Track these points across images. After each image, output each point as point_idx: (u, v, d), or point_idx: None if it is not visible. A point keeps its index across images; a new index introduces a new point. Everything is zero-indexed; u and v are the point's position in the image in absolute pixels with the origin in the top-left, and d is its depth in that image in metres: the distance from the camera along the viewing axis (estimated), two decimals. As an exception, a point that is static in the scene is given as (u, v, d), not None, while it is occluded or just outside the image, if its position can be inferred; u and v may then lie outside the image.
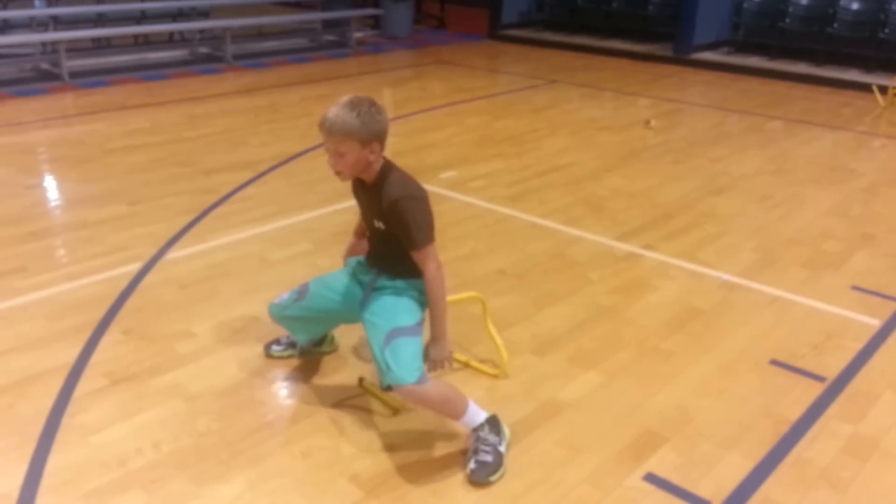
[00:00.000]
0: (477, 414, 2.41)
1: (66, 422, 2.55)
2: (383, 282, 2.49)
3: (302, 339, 2.79)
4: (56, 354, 2.92)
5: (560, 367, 2.96)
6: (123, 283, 3.49)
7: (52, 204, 4.63)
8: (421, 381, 2.28)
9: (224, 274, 3.64)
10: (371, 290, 2.50)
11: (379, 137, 2.34)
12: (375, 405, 2.70)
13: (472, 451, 2.38)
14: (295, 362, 2.94)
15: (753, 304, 3.52)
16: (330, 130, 2.31)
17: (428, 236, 2.37)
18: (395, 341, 2.32)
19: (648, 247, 4.09)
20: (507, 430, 2.47)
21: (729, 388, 2.87)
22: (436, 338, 2.41)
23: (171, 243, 3.95)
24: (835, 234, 4.34)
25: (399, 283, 2.47)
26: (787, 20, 9.31)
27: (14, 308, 3.27)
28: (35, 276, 3.55)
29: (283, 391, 2.82)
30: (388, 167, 2.42)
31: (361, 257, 2.64)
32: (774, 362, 3.04)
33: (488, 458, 2.34)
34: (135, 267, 3.66)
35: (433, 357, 2.42)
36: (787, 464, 2.46)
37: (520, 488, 2.32)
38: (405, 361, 2.29)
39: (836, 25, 8.98)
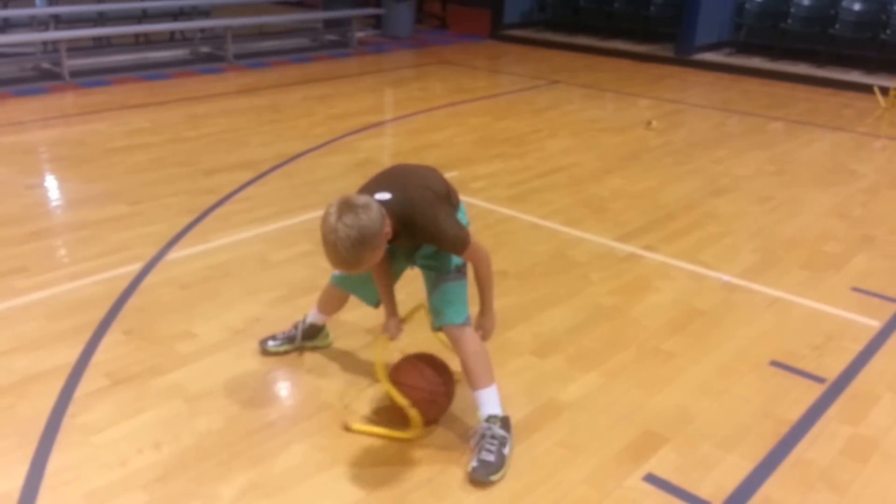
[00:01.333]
0: (496, 402, 2.44)
1: (67, 422, 2.55)
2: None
3: (372, 301, 2.72)
4: (57, 354, 2.92)
5: (561, 368, 2.97)
6: (124, 284, 3.50)
7: (53, 204, 4.64)
8: (467, 321, 2.45)
9: (225, 274, 3.64)
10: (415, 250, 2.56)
11: (383, 219, 2.17)
12: (375, 408, 2.70)
13: (477, 445, 2.38)
14: (295, 362, 2.95)
15: (754, 305, 3.52)
16: (352, 271, 2.23)
17: (461, 238, 2.31)
18: (443, 286, 2.46)
19: (649, 248, 4.10)
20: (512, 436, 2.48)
21: (729, 388, 2.87)
22: (484, 310, 2.53)
23: (171, 243, 3.95)
24: (835, 236, 4.34)
25: None
26: (789, 21, 9.31)
27: (15, 308, 3.27)
28: (36, 276, 3.56)
29: (283, 392, 2.82)
30: (389, 208, 2.23)
31: None
32: (774, 363, 3.04)
33: (490, 457, 2.34)
34: (136, 267, 3.67)
35: (484, 327, 2.55)
36: (787, 465, 2.46)
37: (520, 488, 2.32)
38: (454, 303, 2.44)
39: (837, 26, 8.98)
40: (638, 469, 2.42)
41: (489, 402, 2.44)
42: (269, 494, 2.27)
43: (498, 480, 2.33)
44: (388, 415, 2.63)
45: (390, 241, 2.29)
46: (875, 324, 3.37)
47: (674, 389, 2.85)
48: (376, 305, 2.73)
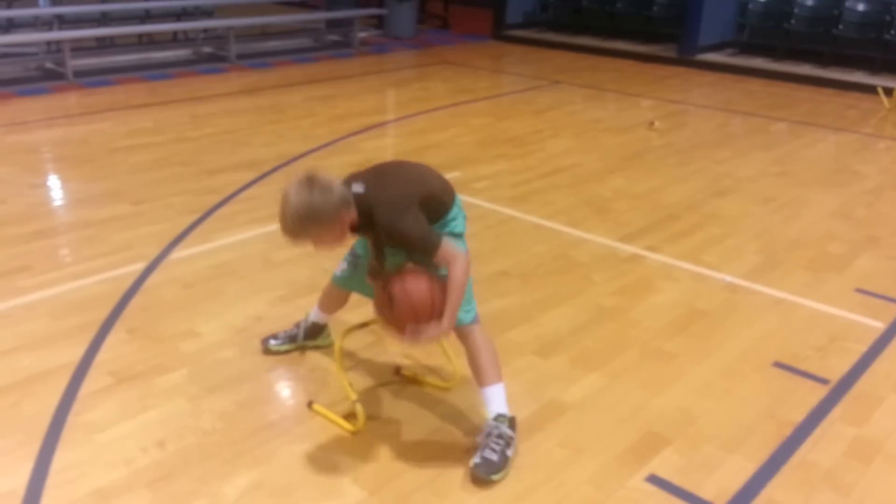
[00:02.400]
0: (501, 399, 2.43)
1: (72, 420, 2.55)
2: None
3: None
4: (61, 353, 2.93)
5: (563, 369, 2.97)
6: (128, 283, 3.50)
7: (57, 203, 4.65)
8: (475, 320, 2.45)
9: (228, 274, 3.65)
10: None
11: (340, 208, 2.20)
12: (378, 408, 2.70)
13: (482, 443, 2.38)
14: (298, 361, 2.95)
15: (757, 306, 3.52)
16: (292, 240, 2.24)
17: (431, 240, 2.27)
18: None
19: (652, 248, 4.10)
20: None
21: (732, 389, 2.87)
22: (443, 318, 2.30)
23: (175, 243, 3.96)
24: (839, 237, 4.34)
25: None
26: (793, 21, 9.31)
27: (19, 307, 3.28)
28: (40, 275, 3.57)
29: (287, 391, 2.83)
30: (359, 203, 2.26)
31: None
32: (778, 364, 3.04)
33: (494, 456, 2.34)
34: (139, 266, 3.67)
35: (429, 332, 2.30)
36: (791, 466, 2.46)
37: (522, 489, 2.32)
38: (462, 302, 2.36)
39: (841, 27, 8.98)
40: (641, 470, 2.42)
41: (498, 399, 2.43)
42: (273, 493, 2.27)
43: (499, 480, 2.33)
44: (384, 409, 2.63)
45: (356, 230, 2.34)
46: (879, 325, 3.37)
47: (676, 390, 2.85)
48: None
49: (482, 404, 2.47)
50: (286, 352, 2.97)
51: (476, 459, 2.35)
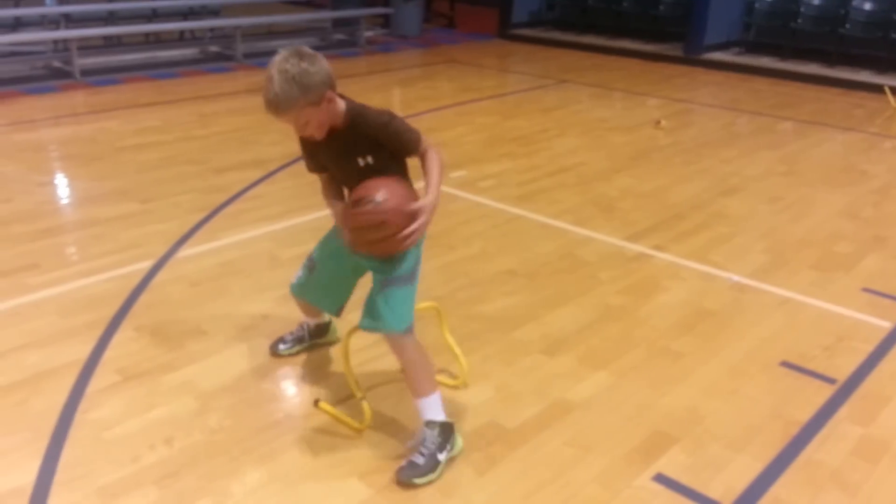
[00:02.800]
0: (436, 409, 2.39)
1: (79, 417, 2.56)
2: None
3: (332, 310, 2.74)
4: (69, 351, 2.94)
5: (570, 367, 2.97)
6: (135, 281, 3.51)
7: (64, 201, 4.66)
8: (408, 330, 2.34)
9: (235, 272, 3.66)
10: None
11: (327, 85, 2.19)
12: (384, 406, 2.70)
13: (412, 448, 2.37)
14: (305, 360, 2.96)
15: (764, 305, 3.51)
16: (278, 112, 2.16)
17: (418, 133, 2.34)
18: (389, 290, 2.35)
19: (658, 247, 4.09)
20: (459, 443, 2.44)
21: (739, 389, 2.86)
22: (428, 194, 2.28)
23: (182, 241, 3.97)
24: (846, 236, 4.33)
25: None
26: (799, 21, 9.28)
27: (27, 304, 3.30)
28: (48, 272, 3.58)
29: (293, 389, 2.83)
30: (350, 104, 2.31)
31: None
32: (785, 364, 3.03)
33: (420, 460, 2.32)
34: (146, 264, 3.68)
35: (421, 209, 2.25)
36: (797, 465, 2.46)
37: (529, 487, 2.32)
38: (397, 309, 2.33)
39: (848, 26, 8.94)
40: (647, 469, 2.42)
41: (430, 408, 2.39)
42: (280, 491, 2.28)
43: (423, 484, 2.30)
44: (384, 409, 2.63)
45: (331, 134, 2.29)
46: (886, 324, 3.36)
47: (683, 390, 2.85)
48: (337, 313, 2.75)
49: (416, 413, 2.43)
50: (297, 353, 2.98)
51: (403, 463, 2.34)
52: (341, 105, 2.29)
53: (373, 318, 2.36)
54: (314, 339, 2.99)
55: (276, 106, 2.15)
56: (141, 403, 2.65)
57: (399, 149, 2.35)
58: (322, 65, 2.19)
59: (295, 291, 2.76)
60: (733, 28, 9.97)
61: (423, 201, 2.26)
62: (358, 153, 2.34)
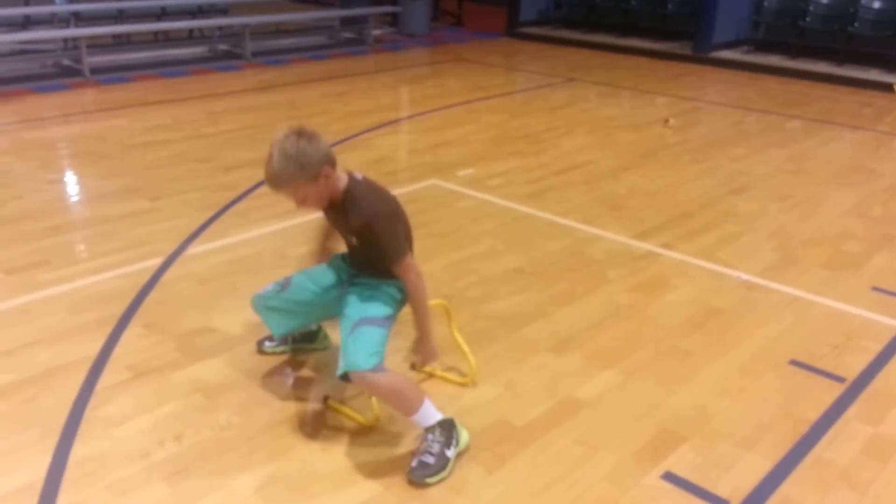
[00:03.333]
0: (431, 415, 2.38)
1: (89, 414, 2.58)
2: (361, 279, 2.53)
3: (278, 331, 2.77)
4: (79, 347, 2.96)
5: (578, 366, 2.97)
6: (145, 278, 3.53)
7: (74, 199, 4.69)
8: (376, 369, 2.30)
9: (244, 269, 3.67)
10: (349, 285, 2.54)
11: (325, 162, 2.30)
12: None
13: (418, 451, 2.37)
14: (313, 358, 2.96)
15: (773, 304, 3.50)
16: (276, 187, 2.32)
17: (402, 249, 2.39)
18: (359, 329, 2.37)
19: (667, 246, 4.08)
20: (464, 436, 2.44)
21: (748, 387, 2.86)
22: (421, 336, 2.47)
23: (191, 238, 3.98)
24: (855, 235, 4.31)
25: (375, 282, 2.50)
26: (808, 19, 9.24)
27: (37, 301, 3.31)
28: (58, 269, 3.60)
29: (302, 386, 2.84)
30: (352, 184, 2.40)
31: (344, 253, 2.66)
32: (794, 362, 3.02)
33: (430, 459, 2.32)
34: (156, 262, 3.70)
35: (421, 353, 2.49)
36: (807, 464, 2.45)
37: (538, 485, 2.32)
38: (364, 348, 2.32)
39: (857, 24, 8.90)
40: (656, 467, 2.42)
41: (424, 418, 2.38)
42: (289, 487, 2.29)
43: (435, 482, 2.30)
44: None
45: (329, 209, 2.45)
46: (895, 323, 3.35)
47: (692, 388, 2.84)
48: (280, 336, 2.83)
49: (413, 425, 2.43)
50: (281, 353, 2.96)
51: (413, 464, 2.33)
52: (342, 180, 2.40)
53: (342, 357, 2.34)
54: (299, 343, 2.96)
55: (275, 181, 2.31)
56: (151, 400, 2.66)
57: (375, 250, 2.39)
58: (320, 144, 2.32)
59: (255, 303, 2.73)
60: (742, 26, 9.93)
61: (421, 350, 2.47)
62: (348, 231, 2.47)
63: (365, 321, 2.38)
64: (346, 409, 2.62)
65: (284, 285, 2.66)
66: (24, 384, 2.73)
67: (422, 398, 2.38)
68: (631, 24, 10.74)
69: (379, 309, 2.44)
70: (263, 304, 2.71)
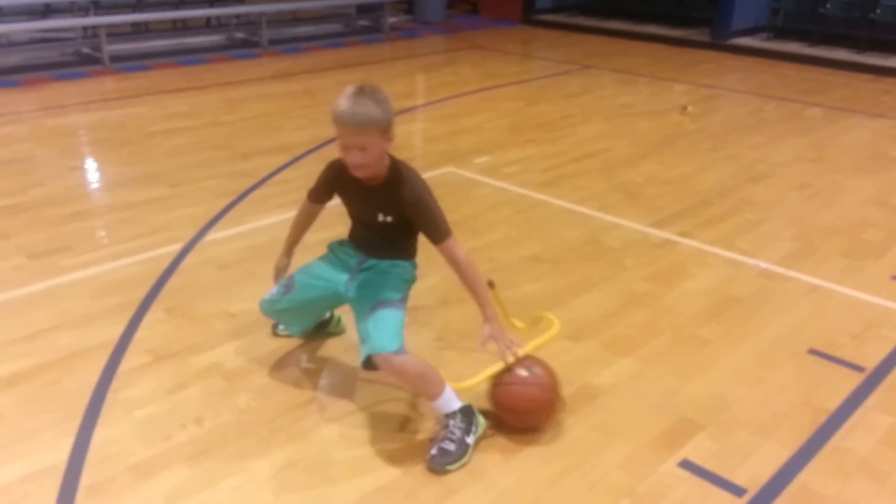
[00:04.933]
0: (451, 401, 2.38)
1: (111, 397, 2.61)
2: (371, 262, 2.53)
3: (296, 330, 2.83)
4: (101, 331, 2.99)
5: (595, 353, 2.97)
6: (165, 263, 3.56)
7: (95, 185, 4.73)
8: (400, 351, 2.30)
9: (262, 256, 3.69)
10: (358, 272, 2.54)
11: (393, 124, 2.29)
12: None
13: (438, 438, 2.37)
14: (332, 341, 2.98)
15: (792, 292, 3.48)
16: (353, 122, 2.21)
17: (448, 226, 2.39)
18: (378, 312, 2.36)
19: (685, 234, 4.06)
20: (482, 422, 2.44)
21: (766, 376, 2.85)
22: (490, 318, 2.41)
23: (210, 225, 4.01)
24: (875, 223, 4.27)
25: (386, 264, 2.51)
26: (828, 5, 9.12)
27: (60, 286, 3.36)
28: (80, 255, 3.64)
29: (320, 371, 2.86)
30: (395, 160, 2.39)
31: (344, 240, 2.65)
32: (813, 352, 3.01)
33: (451, 446, 2.32)
34: (176, 247, 3.73)
35: (494, 337, 2.40)
36: (825, 453, 2.44)
37: (554, 472, 2.33)
38: (386, 330, 2.32)
39: (878, 11, 8.78)
40: (673, 455, 2.42)
41: (445, 405, 2.38)
42: (308, 470, 2.31)
43: (455, 469, 2.31)
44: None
45: (358, 186, 2.38)
46: (916, 313, 3.32)
47: (710, 376, 2.84)
48: (300, 334, 2.85)
49: (434, 410, 2.42)
50: (293, 336, 2.97)
51: (433, 451, 2.33)
52: (387, 156, 2.36)
53: (363, 343, 2.35)
54: (314, 330, 2.97)
55: (352, 116, 2.21)
56: (171, 383, 2.70)
57: (423, 226, 2.39)
58: (392, 103, 2.29)
59: (264, 308, 2.75)
60: (761, 13, 9.82)
61: (492, 330, 2.40)
62: (381, 209, 2.42)
63: (382, 304, 2.39)
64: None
65: (289, 287, 2.65)
66: (47, 367, 2.77)
67: (444, 383, 2.39)
68: (648, 10, 10.65)
69: (393, 292, 2.44)
70: (273, 308, 2.73)
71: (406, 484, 2.27)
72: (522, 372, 2.42)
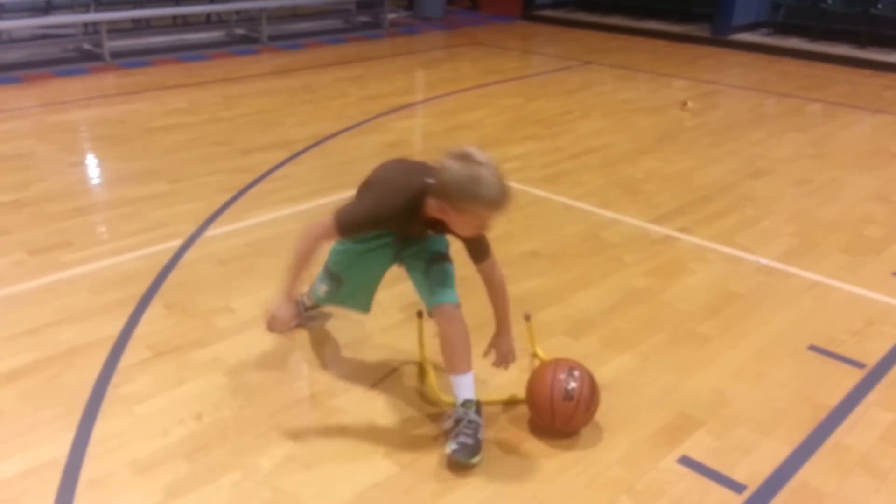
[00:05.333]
0: (472, 387, 2.38)
1: (111, 392, 2.61)
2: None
3: (366, 308, 2.78)
4: (101, 326, 2.99)
5: (594, 350, 2.97)
6: (165, 259, 3.56)
7: (95, 181, 4.73)
8: (459, 305, 2.37)
9: (262, 251, 3.69)
10: (402, 239, 2.53)
11: None
12: (412, 382, 2.73)
13: (454, 428, 2.34)
14: (333, 337, 2.99)
15: (792, 288, 3.48)
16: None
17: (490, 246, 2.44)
18: (437, 266, 2.42)
19: (684, 230, 4.06)
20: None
21: (766, 373, 2.85)
22: (507, 329, 2.53)
23: (210, 221, 4.01)
24: (876, 220, 4.26)
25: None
26: (829, 1, 9.11)
27: (61, 281, 3.36)
28: (80, 250, 3.64)
29: (320, 367, 2.86)
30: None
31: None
32: (813, 348, 3.01)
33: (470, 440, 2.30)
34: (175, 243, 3.73)
35: (502, 349, 2.54)
36: (825, 450, 2.44)
37: (553, 468, 2.34)
38: (449, 281, 2.39)
39: (879, 6, 8.76)
40: (672, 451, 2.42)
41: (467, 386, 2.37)
42: (307, 466, 2.31)
43: (477, 463, 2.30)
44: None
45: (428, 222, 2.30)
46: (916, 309, 3.32)
47: (709, 373, 2.84)
48: (368, 310, 2.79)
49: (450, 389, 2.42)
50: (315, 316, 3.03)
51: (453, 446, 2.29)
52: None
53: (430, 293, 2.39)
54: (308, 310, 3.04)
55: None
56: (171, 379, 2.70)
57: (476, 245, 2.40)
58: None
59: (325, 302, 2.80)
60: (762, 8, 9.81)
61: (503, 346, 2.54)
62: (435, 230, 2.38)
63: (439, 256, 2.42)
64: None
65: (338, 282, 2.66)
66: (47, 362, 2.77)
67: (471, 366, 2.39)
68: (649, 6, 10.63)
69: (444, 247, 2.49)
70: (335, 300, 2.76)
71: (405, 479, 2.27)
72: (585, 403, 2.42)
